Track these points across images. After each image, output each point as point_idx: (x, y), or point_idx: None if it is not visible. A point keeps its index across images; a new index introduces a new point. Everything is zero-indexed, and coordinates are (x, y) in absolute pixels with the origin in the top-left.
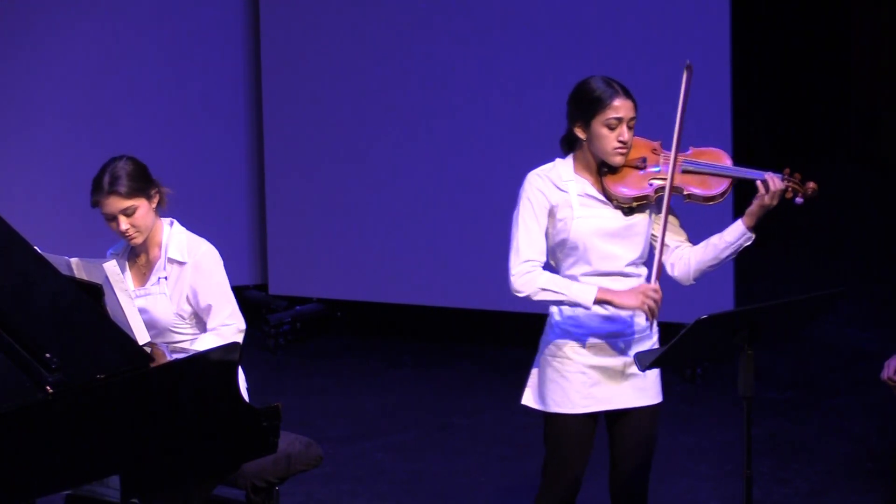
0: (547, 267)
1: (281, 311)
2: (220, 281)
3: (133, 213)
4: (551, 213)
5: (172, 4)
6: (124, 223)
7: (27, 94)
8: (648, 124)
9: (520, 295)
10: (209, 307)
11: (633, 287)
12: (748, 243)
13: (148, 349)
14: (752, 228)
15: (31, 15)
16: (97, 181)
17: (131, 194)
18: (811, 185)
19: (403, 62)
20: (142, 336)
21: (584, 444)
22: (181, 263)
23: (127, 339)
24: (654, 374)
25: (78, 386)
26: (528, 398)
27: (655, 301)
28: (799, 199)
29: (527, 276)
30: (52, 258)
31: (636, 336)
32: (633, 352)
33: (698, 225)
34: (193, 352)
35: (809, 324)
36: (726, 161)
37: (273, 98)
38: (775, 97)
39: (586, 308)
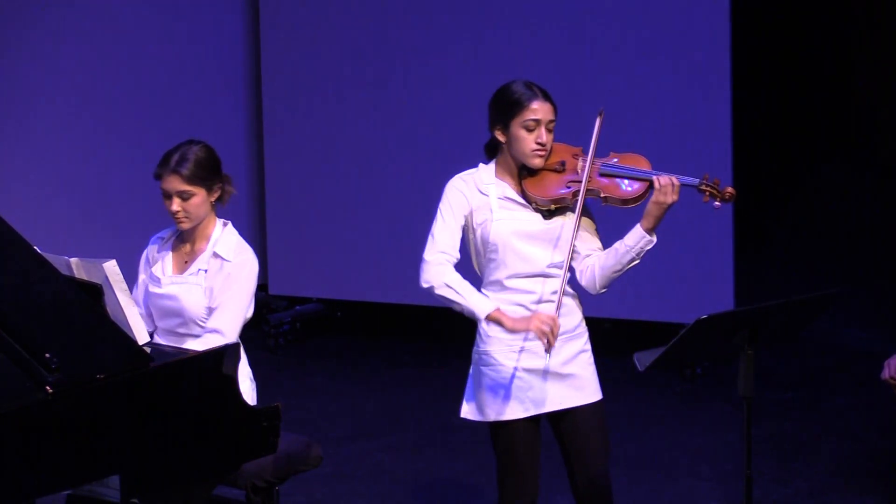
0: (469, 272)
1: (281, 311)
2: (241, 289)
3: (189, 198)
4: (470, 217)
5: (172, 5)
6: (177, 205)
7: (27, 95)
8: (647, 124)
9: (424, 285)
10: (217, 306)
11: (532, 314)
12: (649, 247)
13: (148, 349)
14: (651, 231)
15: (31, 16)
16: (167, 155)
17: (192, 180)
18: (729, 189)
19: (404, 63)
20: (142, 336)
21: (531, 447)
22: (225, 260)
23: (127, 339)
24: (591, 371)
25: (78, 386)
26: (467, 411)
27: (550, 328)
28: (717, 203)
29: (439, 268)
30: (52, 258)
31: (565, 336)
32: (563, 352)
33: (701, 227)
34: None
35: (809, 324)
36: (645, 165)
37: (273, 98)
38: (775, 97)
39: (478, 320)
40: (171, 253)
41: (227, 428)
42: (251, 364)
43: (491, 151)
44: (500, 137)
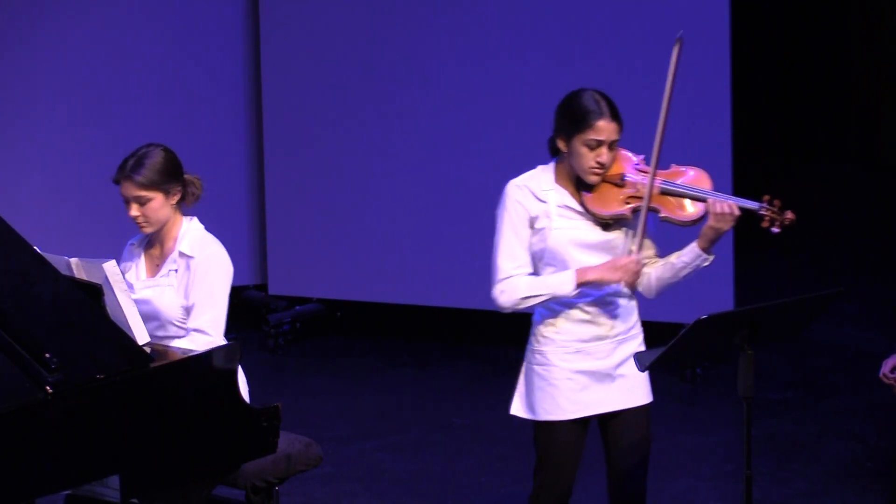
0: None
1: (281, 311)
2: (213, 283)
3: (146, 203)
4: (531, 224)
5: (172, 4)
6: (135, 210)
7: (27, 95)
8: (645, 129)
9: (506, 311)
10: (193, 306)
11: (613, 260)
12: (706, 264)
13: (148, 349)
14: (707, 250)
15: (32, 16)
16: (124, 161)
17: (147, 186)
18: (789, 214)
19: (403, 62)
20: (142, 336)
21: (574, 449)
22: (190, 258)
23: (127, 339)
24: (643, 374)
25: (78, 386)
26: (517, 408)
27: (636, 273)
28: (775, 229)
29: (507, 291)
30: (52, 258)
31: (620, 337)
32: (617, 354)
33: (700, 227)
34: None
35: (809, 324)
36: (706, 184)
37: (273, 98)
38: (775, 98)
39: (570, 297)
40: (143, 257)
41: (227, 428)
42: (251, 364)
43: (553, 149)
44: (562, 147)
